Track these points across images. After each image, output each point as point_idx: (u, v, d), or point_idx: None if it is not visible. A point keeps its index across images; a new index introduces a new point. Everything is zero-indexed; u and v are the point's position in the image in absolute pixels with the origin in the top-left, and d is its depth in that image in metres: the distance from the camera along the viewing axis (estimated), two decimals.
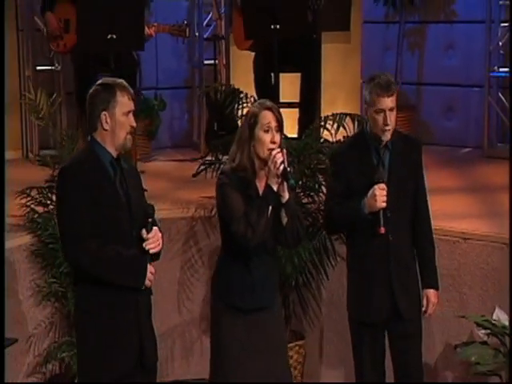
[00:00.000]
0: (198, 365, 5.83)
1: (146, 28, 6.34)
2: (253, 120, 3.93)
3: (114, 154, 3.74)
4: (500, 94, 7.31)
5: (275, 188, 3.86)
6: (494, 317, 4.69)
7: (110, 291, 3.69)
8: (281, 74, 6.59)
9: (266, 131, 3.89)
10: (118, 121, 3.69)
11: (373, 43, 7.93)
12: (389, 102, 4.12)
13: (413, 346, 4.36)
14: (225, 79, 7.30)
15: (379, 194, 4.06)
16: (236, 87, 6.10)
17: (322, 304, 5.59)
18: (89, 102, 3.74)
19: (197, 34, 7.67)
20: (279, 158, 3.81)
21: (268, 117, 3.91)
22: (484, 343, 4.67)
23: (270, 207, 3.87)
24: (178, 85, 7.85)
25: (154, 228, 3.72)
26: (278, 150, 3.85)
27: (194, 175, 6.17)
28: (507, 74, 7.16)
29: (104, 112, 3.69)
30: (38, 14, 7.06)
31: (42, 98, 5.36)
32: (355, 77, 8.09)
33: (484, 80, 7.29)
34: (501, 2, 7.19)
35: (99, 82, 3.77)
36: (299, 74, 6.63)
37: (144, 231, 3.69)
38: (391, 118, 4.13)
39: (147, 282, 3.72)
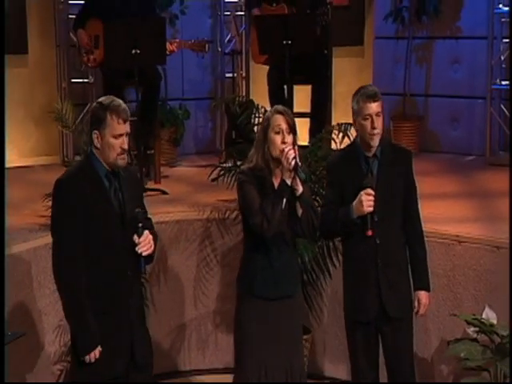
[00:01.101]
0: (212, 355, 5.84)
1: (169, 44, 6.32)
2: (266, 123, 4.03)
3: (110, 168, 3.66)
4: (502, 106, 7.21)
5: (289, 182, 3.93)
6: (484, 316, 4.63)
7: (102, 297, 3.67)
8: (295, 87, 6.60)
9: (277, 133, 3.96)
10: (108, 142, 3.59)
11: (384, 57, 7.87)
12: (375, 107, 4.10)
13: (403, 345, 4.30)
14: (244, 91, 7.29)
15: (365, 199, 4.03)
16: (250, 98, 6.09)
17: (326, 301, 5.54)
18: (88, 118, 3.69)
19: (219, 49, 7.66)
20: (291, 154, 3.88)
21: (279, 120, 3.98)
22: (474, 340, 4.59)
23: (285, 200, 3.93)
24: (202, 96, 7.82)
25: (145, 232, 3.66)
26: (290, 147, 3.91)
27: (213, 180, 6.14)
28: (508, 87, 7.07)
29: (95, 131, 3.61)
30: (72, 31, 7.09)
31: (68, 108, 5.39)
32: None
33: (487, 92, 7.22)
34: (503, 20, 7.10)
35: (100, 99, 3.68)
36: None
37: (135, 236, 3.64)
38: (378, 122, 4.09)
39: (86, 358, 3.65)
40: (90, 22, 6.51)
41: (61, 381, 5.28)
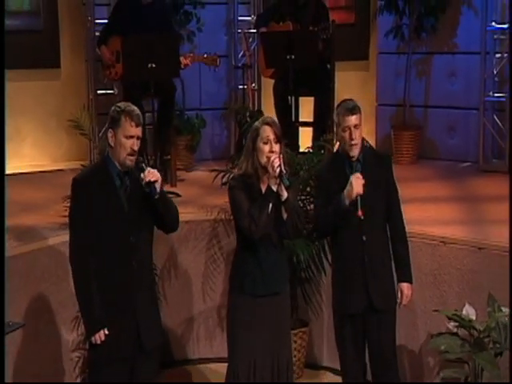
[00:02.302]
0: (219, 345, 5.79)
1: (183, 58, 6.34)
2: (255, 134, 4.02)
3: (122, 167, 3.73)
4: (495, 116, 7.14)
5: (274, 188, 3.93)
6: (464, 312, 4.58)
7: (108, 286, 3.73)
8: (301, 98, 6.60)
9: (266, 143, 3.96)
10: (119, 141, 3.68)
11: (386, 71, 7.82)
12: (353, 119, 4.10)
13: (387, 336, 4.28)
14: (255, 102, 7.30)
15: (355, 182, 4.02)
16: (259, 109, 6.10)
17: (323, 296, 5.51)
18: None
19: (234, 63, 7.65)
20: (276, 162, 3.89)
21: (267, 131, 3.98)
22: (454, 334, 4.54)
23: (271, 204, 3.93)
24: (218, 106, 7.78)
25: (148, 168, 3.68)
26: (276, 155, 3.91)
27: (223, 184, 6.14)
28: (501, 99, 7.04)
29: (110, 130, 3.71)
30: None
31: (86, 117, 5.46)
32: (373, 100, 8.03)
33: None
34: (495, 36, 7.05)
35: (118, 103, 3.80)
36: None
37: (141, 175, 3.66)
38: (356, 133, 4.10)
39: (92, 339, 3.74)
40: (112, 39, 6.54)
41: (79, 366, 5.33)
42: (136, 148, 3.69)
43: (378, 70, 7.90)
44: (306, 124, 6.56)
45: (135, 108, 3.74)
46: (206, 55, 6.49)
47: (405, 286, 4.29)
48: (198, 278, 5.74)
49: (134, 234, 3.72)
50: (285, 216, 3.97)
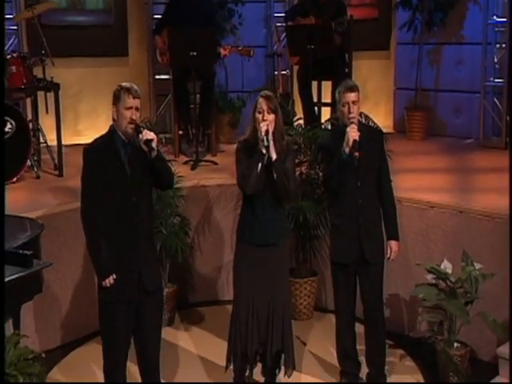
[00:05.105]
0: None
1: (222, 49, 6.35)
2: (255, 105, 4.03)
3: (125, 137, 3.66)
4: (495, 99, 6.93)
5: (264, 151, 3.91)
6: (442, 266, 4.51)
7: (114, 238, 3.70)
8: (323, 82, 6.53)
9: (260, 112, 3.98)
10: (120, 113, 3.62)
11: (403, 59, 7.66)
12: (351, 96, 4.04)
13: (375, 285, 4.27)
14: (283, 86, 7.23)
15: (350, 130, 3.98)
16: (288, 91, 6.08)
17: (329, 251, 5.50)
18: None
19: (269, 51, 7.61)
20: (263, 127, 3.91)
21: (262, 103, 3.98)
22: (433, 285, 4.48)
23: (260, 164, 3.92)
24: (258, 88, 7.68)
25: (145, 130, 3.63)
26: (265, 123, 3.92)
27: None
28: (500, 84, 6.82)
29: (113, 105, 3.66)
30: None
31: None
32: (392, 85, 7.88)
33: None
34: (496, 29, 6.84)
35: (120, 83, 3.72)
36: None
37: (140, 136, 3.60)
38: (354, 108, 4.04)
39: (103, 283, 3.69)
40: (165, 30, 6.56)
41: None
42: (134, 117, 3.61)
43: (395, 58, 7.74)
44: (326, 104, 6.48)
45: (133, 85, 3.68)
46: (241, 47, 6.48)
47: (393, 243, 4.26)
48: (227, 232, 5.78)
49: (135, 195, 3.67)
50: (275, 176, 3.94)
